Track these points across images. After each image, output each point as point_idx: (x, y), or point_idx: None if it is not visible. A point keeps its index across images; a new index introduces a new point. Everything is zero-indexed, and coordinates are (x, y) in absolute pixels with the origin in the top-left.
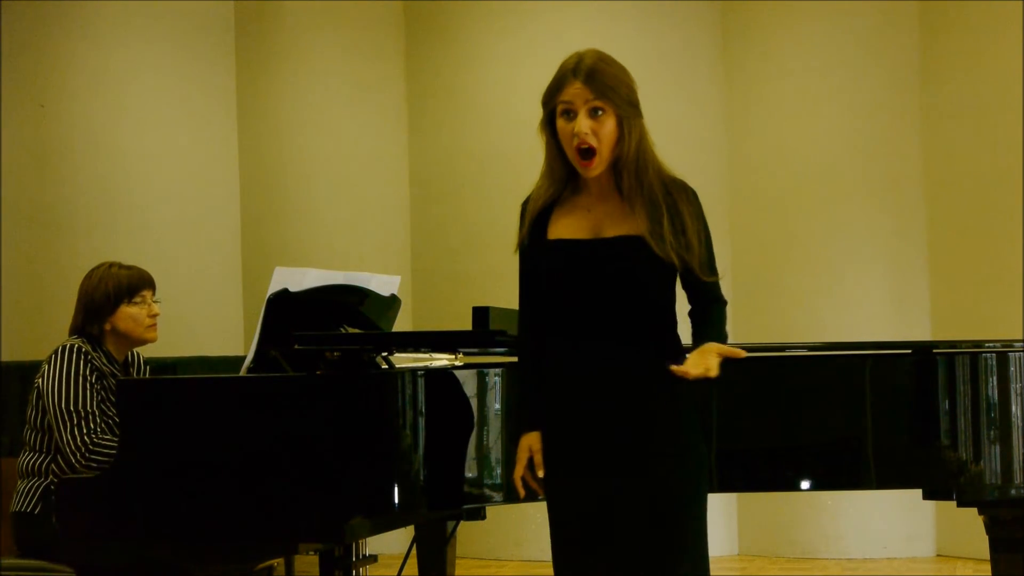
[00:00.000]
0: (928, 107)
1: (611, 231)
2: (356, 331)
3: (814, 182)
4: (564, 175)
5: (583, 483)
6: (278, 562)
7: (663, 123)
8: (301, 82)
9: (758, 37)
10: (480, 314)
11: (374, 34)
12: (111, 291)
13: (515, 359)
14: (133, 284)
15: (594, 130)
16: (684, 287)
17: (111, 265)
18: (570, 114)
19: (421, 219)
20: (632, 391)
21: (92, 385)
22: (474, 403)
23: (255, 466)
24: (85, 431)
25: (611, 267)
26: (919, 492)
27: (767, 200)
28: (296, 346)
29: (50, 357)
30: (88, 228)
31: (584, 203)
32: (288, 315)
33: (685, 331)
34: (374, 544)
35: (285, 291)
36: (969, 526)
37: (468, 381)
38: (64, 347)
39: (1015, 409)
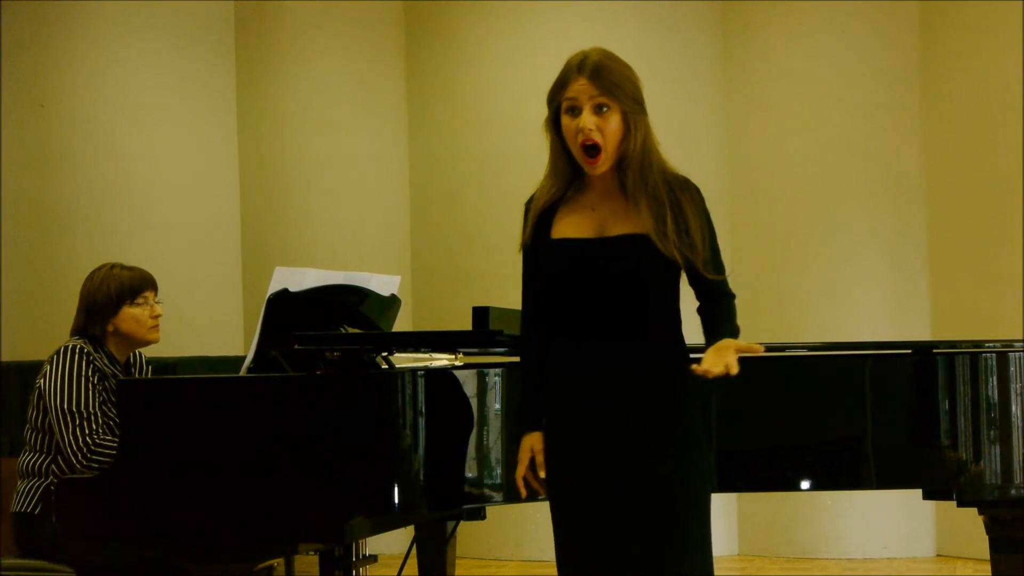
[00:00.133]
0: (928, 107)
1: (615, 230)
2: (356, 331)
3: (814, 182)
4: (569, 173)
5: (586, 483)
6: (278, 562)
7: (663, 123)
8: (301, 82)
9: (758, 37)
10: (480, 314)
11: (374, 34)
12: (113, 292)
13: (515, 359)
14: (135, 285)
15: (599, 126)
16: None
17: (113, 266)
18: (575, 111)
19: (421, 219)
20: (635, 390)
21: (94, 386)
22: (474, 403)
23: (255, 466)
24: (87, 432)
25: (615, 266)
26: (919, 492)
27: (767, 200)
28: (296, 346)
29: (52, 358)
30: (88, 228)
31: (588, 202)
32: (288, 315)
33: (688, 329)
34: (374, 544)
35: (285, 291)
36: (969, 526)
37: (468, 381)
38: (66, 348)
39: (1015, 409)
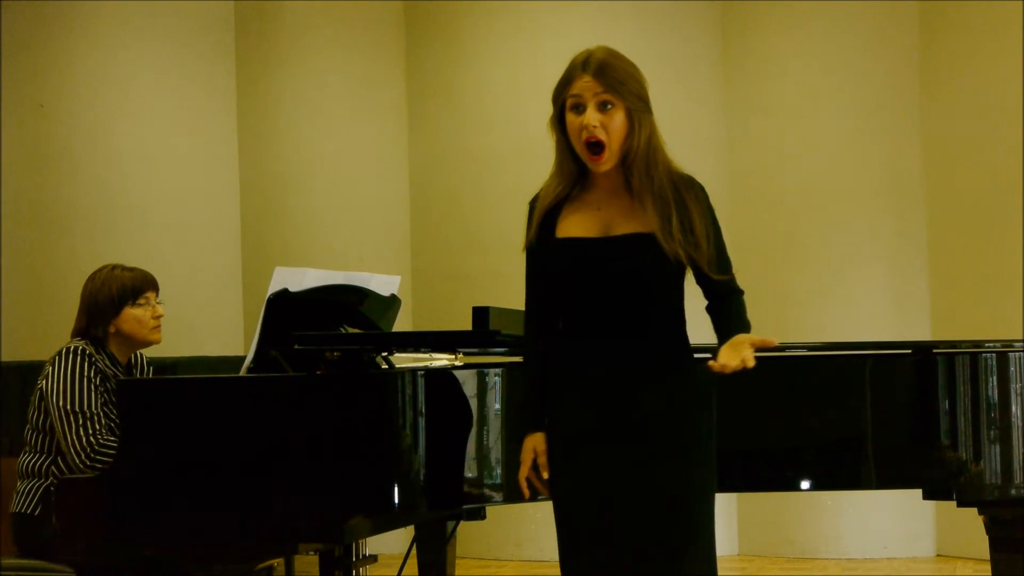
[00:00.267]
0: (928, 107)
1: (621, 229)
2: (356, 331)
3: (814, 182)
4: (574, 172)
5: (589, 483)
6: (278, 562)
7: (663, 123)
8: (301, 82)
9: (758, 37)
10: (480, 314)
11: (374, 34)
12: (115, 293)
13: (515, 359)
14: (137, 286)
15: (603, 124)
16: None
17: (114, 267)
18: (579, 108)
19: (421, 219)
20: (639, 390)
21: (96, 387)
22: (474, 403)
23: (255, 466)
24: (90, 432)
25: (621, 265)
26: (919, 492)
27: (767, 200)
28: (296, 346)
29: (53, 359)
30: (88, 228)
31: (594, 201)
32: (288, 315)
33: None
34: (374, 544)
35: (285, 291)
36: (969, 526)
37: (468, 381)
38: (67, 349)
39: (1015, 409)
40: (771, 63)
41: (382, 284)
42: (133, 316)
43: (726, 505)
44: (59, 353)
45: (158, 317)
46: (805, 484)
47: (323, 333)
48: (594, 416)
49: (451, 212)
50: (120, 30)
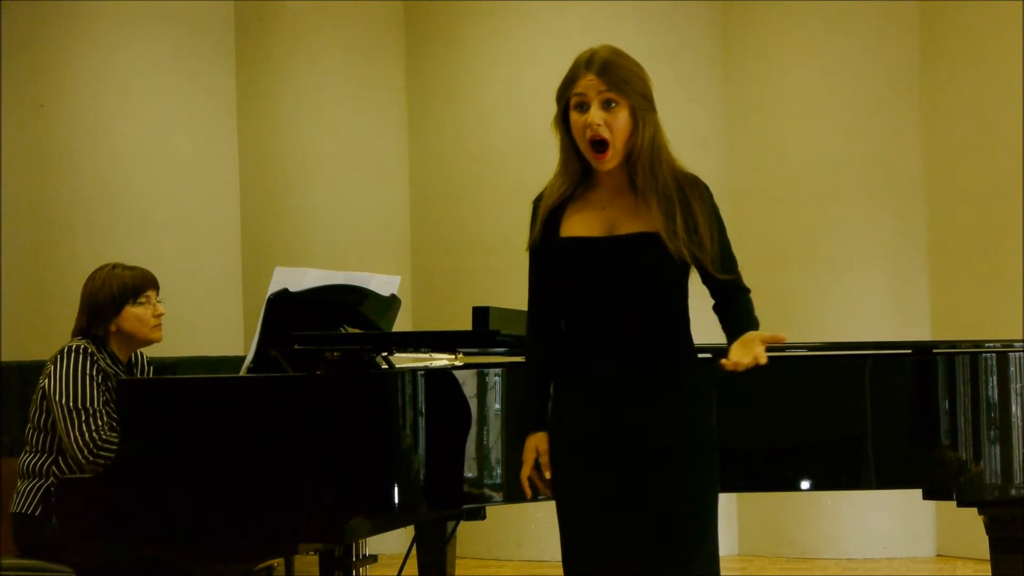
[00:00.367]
0: (928, 107)
1: (625, 228)
2: (356, 331)
3: (814, 182)
4: (578, 171)
5: (592, 483)
6: (278, 562)
7: (663, 123)
8: (301, 82)
9: (758, 37)
10: (480, 314)
11: (374, 34)
12: (116, 292)
13: (515, 359)
14: (137, 285)
15: (607, 122)
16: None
17: (115, 266)
18: (583, 107)
19: (421, 219)
20: (643, 390)
21: (98, 384)
22: (474, 403)
23: (255, 466)
24: (93, 428)
25: (626, 265)
26: (919, 492)
27: (767, 200)
28: (296, 346)
29: (55, 357)
30: (88, 228)
31: (598, 200)
32: (288, 315)
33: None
34: (374, 544)
35: (285, 291)
36: (969, 526)
37: (468, 381)
38: (69, 348)
39: (1015, 409)
40: (771, 63)
41: (382, 284)
42: (134, 315)
43: (726, 505)
44: (60, 352)
45: (159, 316)
46: (805, 484)
47: (323, 333)
48: (597, 416)
49: (451, 212)
50: (120, 30)
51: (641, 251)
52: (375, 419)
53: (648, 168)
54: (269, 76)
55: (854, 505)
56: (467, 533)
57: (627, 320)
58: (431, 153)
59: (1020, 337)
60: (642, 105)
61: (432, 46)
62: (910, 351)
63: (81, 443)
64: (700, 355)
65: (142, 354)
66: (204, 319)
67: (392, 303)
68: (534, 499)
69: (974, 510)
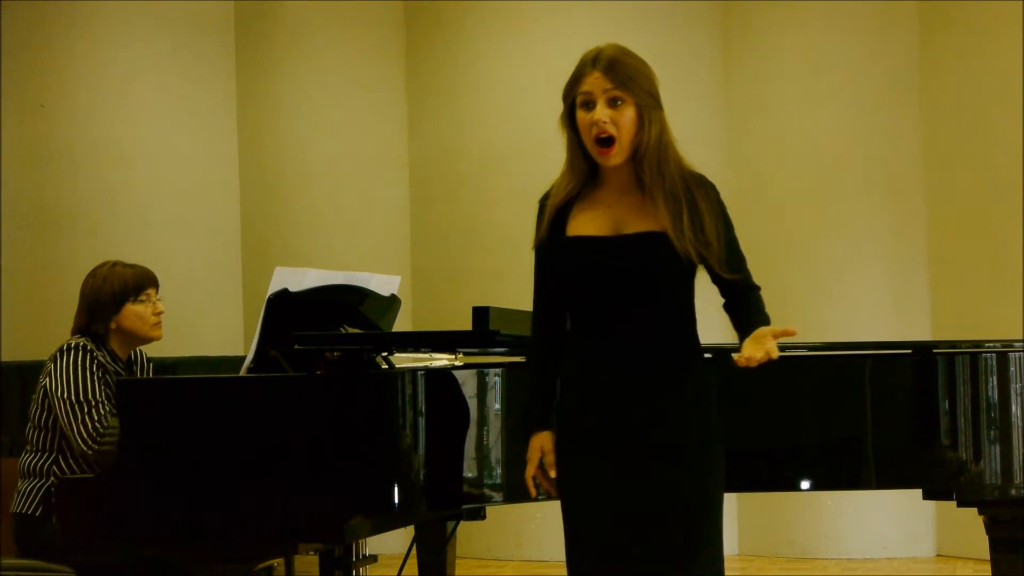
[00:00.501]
0: (928, 107)
1: (632, 227)
2: (356, 331)
3: (814, 182)
4: (585, 170)
5: (597, 482)
6: (278, 562)
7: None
8: (301, 82)
9: (758, 37)
10: (480, 314)
11: (374, 34)
12: (116, 290)
13: (515, 359)
14: (138, 282)
15: (613, 119)
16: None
17: (115, 264)
18: (589, 105)
19: (421, 219)
20: (648, 390)
21: (99, 379)
22: (474, 403)
23: (255, 466)
24: (95, 418)
25: (633, 264)
26: (919, 492)
27: (767, 200)
28: (296, 346)
29: (55, 355)
30: (88, 228)
31: (605, 199)
32: (288, 315)
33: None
34: (374, 544)
35: (285, 291)
36: (969, 526)
37: (468, 381)
38: (69, 345)
39: (1015, 409)
40: (771, 63)
41: (382, 284)
42: (134, 312)
43: (726, 505)
44: (60, 350)
45: (159, 313)
46: (805, 484)
47: (323, 333)
48: (602, 415)
49: (451, 212)
50: (120, 30)
51: (648, 250)
52: (375, 419)
53: (655, 166)
54: (269, 76)
55: (854, 505)
56: (467, 533)
57: (633, 319)
58: (431, 153)
59: (1020, 337)
60: (648, 103)
61: (432, 46)
62: (910, 351)
63: (84, 435)
64: (707, 355)
65: (142, 352)
66: (204, 319)
67: (392, 303)
68: (535, 499)
69: (974, 510)
